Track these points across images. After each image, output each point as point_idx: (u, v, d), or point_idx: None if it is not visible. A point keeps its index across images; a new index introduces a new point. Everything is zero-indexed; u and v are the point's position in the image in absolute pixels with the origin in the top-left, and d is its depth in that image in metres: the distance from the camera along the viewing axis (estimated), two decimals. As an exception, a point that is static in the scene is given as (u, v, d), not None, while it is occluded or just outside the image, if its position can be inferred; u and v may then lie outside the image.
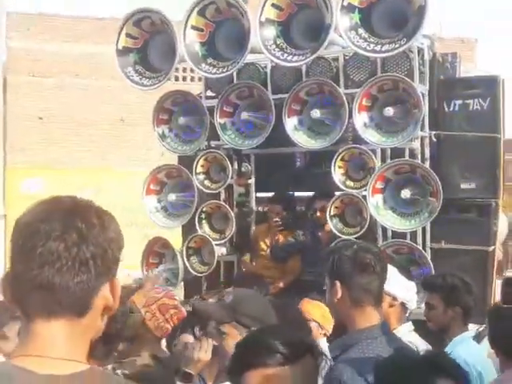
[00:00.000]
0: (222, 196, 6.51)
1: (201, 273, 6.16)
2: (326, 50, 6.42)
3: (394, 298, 3.65)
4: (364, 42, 5.50)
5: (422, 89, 5.96)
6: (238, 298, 3.09)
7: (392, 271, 3.52)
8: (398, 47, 5.41)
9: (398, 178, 5.78)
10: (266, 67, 6.31)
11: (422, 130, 5.98)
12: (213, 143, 6.37)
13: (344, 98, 5.78)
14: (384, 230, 5.98)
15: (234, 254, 6.36)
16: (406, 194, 5.66)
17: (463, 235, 6.05)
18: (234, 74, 6.37)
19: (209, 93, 6.49)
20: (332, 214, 5.87)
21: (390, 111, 5.67)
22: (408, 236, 5.98)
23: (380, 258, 2.77)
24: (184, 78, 18.92)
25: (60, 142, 23.09)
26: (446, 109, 6.16)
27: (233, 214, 6.15)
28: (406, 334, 3.66)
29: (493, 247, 6.09)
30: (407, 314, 3.88)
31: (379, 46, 5.48)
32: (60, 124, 23.30)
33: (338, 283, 2.70)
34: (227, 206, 6.20)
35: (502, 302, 3.15)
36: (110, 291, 1.42)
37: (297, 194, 6.71)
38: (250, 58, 6.45)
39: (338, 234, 5.86)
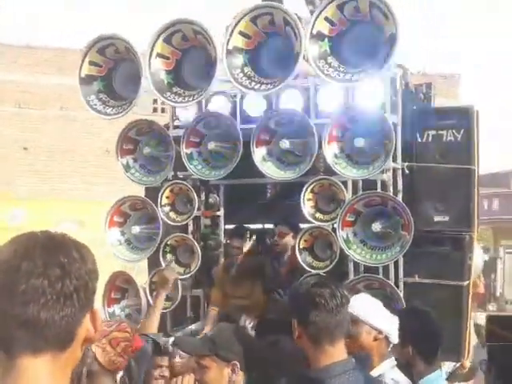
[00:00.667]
0: (190, 228, 6.21)
1: (165, 309, 5.82)
2: (299, 80, 6.24)
3: (380, 332, 3.49)
4: (334, 70, 5.26)
5: (394, 119, 5.72)
6: (219, 331, 3.05)
7: (376, 304, 3.45)
8: (369, 75, 5.17)
9: (368, 211, 5.50)
10: (235, 96, 6.07)
11: (394, 162, 5.73)
12: (180, 174, 6.08)
13: (314, 129, 5.52)
14: (356, 264, 5.70)
15: (201, 288, 6.04)
16: (376, 227, 5.39)
17: (437, 269, 5.78)
18: (203, 103, 6.13)
19: (177, 122, 6.23)
20: (301, 247, 5.58)
21: (360, 142, 5.42)
22: (380, 270, 5.70)
23: (334, 294, 2.62)
24: (163, 110, 18.75)
25: (44, 173, 22.83)
26: (419, 139, 5.93)
27: (198, 248, 5.84)
28: (389, 370, 3.49)
29: (467, 282, 5.82)
30: (389, 349, 3.66)
31: (349, 75, 5.24)
32: (45, 155, 23.05)
33: (295, 322, 2.64)
34: (192, 239, 5.89)
35: (486, 340, 3.09)
36: (90, 322, 1.41)
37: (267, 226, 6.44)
38: (220, 87, 6.23)
39: (308, 268, 5.57)
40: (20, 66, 22.81)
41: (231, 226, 6.37)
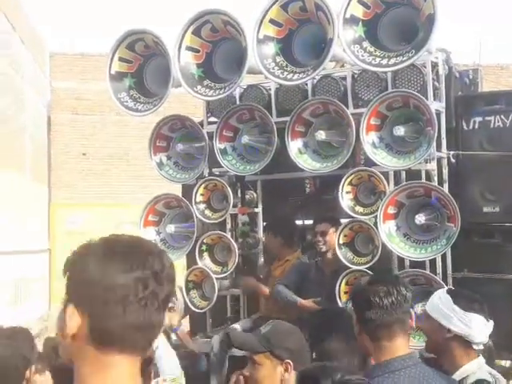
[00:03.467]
0: (229, 226, 5.90)
1: (201, 308, 5.53)
2: (335, 69, 5.86)
3: (448, 331, 3.15)
4: (369, 55, 4.88)
5: (437, 106, 5.30)
6: (276, 329, 2.94)
7: (446, 301, 3.17)
8: (406, 60, 4.76)
9: (411, 203, 5.09)
10: (270, 89, 5.73)
11: (439, 151, 5.31)
12: (216, 171, 5.77)
13: (351, 118, 5.14)
14: (400, 258, 5.29)
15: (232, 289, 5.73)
16: (420, 219, 4.97)
17: (487, 263, 5.34)
18: (237, 97, 5.82)
19: (211, 118, 5.92)
20: (341, 242, 5.20)
21: (400, 130, 5.01)
22: (427, 264, 5.27)
23: (389, 292, 2.55)
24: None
25: (102, 177, 22.95)
26: (465, 127, 5.50)
27: (235, 246, 5.52)
28: (475, 371, 3.13)
29: (521, 275, 5.34)
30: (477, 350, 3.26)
31: (386, 60, 4.85)
32: (102, 159, 23.17)
33: (355, 319, 2.64)
34: (229, 237, 5.58)
35: None
36: None
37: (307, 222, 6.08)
38: (254, 79, 5.91)
39: (349, 264, 5.19)
40: (75, 73, 22.96)
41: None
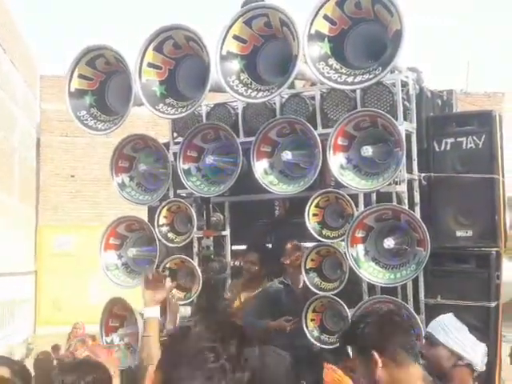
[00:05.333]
0: (195, 250, 5.56)
1: (161, 337, 5.15)
2: (304, 88, 5.58)
3: (460, 358, 3.16)
4: (335, 73, 4.59)
5: (407, 126, 5.03)
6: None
7: (460, 328, 3.18)
8: (373, 77, 4.47)
9: (380, 226, 4.78)
10: (237, 108, 5.43)
11: (410, 172, 5.02)
12: (181, 192, 5.45)
13: (317, 138, 4.85)
14: (371, 284, 4.96)
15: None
16: (389, 243, 4.65)
17: (461, 289, 5.01)
18: (204, 116, 5.52)
19: (179, 138, 5.61)
20: (308, 267, 4.87)
21: (368, 151, 4.71)
22: (399, 291, 4.95)
23: (367, 323, 2.49)
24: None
25: (91, 199, 22.61)
26: (437, 148, 5.21)
27: (199, 270, 5.18)
28: None
29: (496, 303, 5.02)
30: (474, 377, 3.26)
31: (352, 78, 4.56)
32: (91, 182, 22.85)
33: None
34: (192, 262, 5.24)
35: None
36: None
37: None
38: (223, 98, 5.62)
39: (316, 290, 4.86)
40: (65, 95, 22.75)
41: (238, 247, 5.69)
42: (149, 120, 17.93)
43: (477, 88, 22.84)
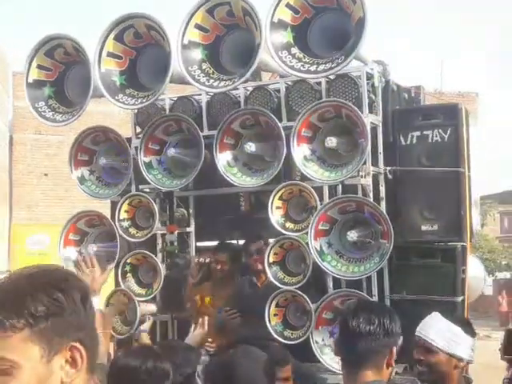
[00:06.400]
0: (159, 246, 5.39)
1: (121, 334, 4.98)
2: (269, 80, 5.48)
3: (461, 360, 3.06)
4: (298, 62, 4.48)
5: (373, 119, 4.92)
6: None
7: (453, 330, 3.05)
8: (336, 66, 4.37)
9: (344, 218, 4.66)
10: (201, 101, 5.29)
11: (375, 166, 4.91)
12: (143, 187, 5.29)
13: (281, 130, 4.72)
14: (337, 277, 4.83)
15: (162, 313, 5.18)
16: (352, 235, 4.53)
17: (427, 284, 4.90)
18: (167, 109, 5.38)
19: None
20: (271, 261, 4.73)
21: (332, 141, 4.60)
22: (364, 285, 4.82)
23: (370, 320, 2.39)
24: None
25: (64, 198, 22.25)
26: (403, 141, 5.10)
27: (161, 267, 5.01)
28: None
29: (462, 297, 4.92)
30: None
31: (315, 67, 4.45)
32: (65, 180, 22.48)
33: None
34: (155, 257, 5.06)
35: (504, 353, 3.04)
36: None
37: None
38: (189, 91, 5.48)
39: (279, 284, 4.71)
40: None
41: (203, 244, 5.54)
42: (121, 119, 17.69)
43: (450, 88, 22.95)
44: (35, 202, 21.45)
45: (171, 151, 4.95)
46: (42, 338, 1.25)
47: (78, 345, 1.29)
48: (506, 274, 32.65)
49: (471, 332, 3.11)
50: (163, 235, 5.37)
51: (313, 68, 4.43)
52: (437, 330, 3.08)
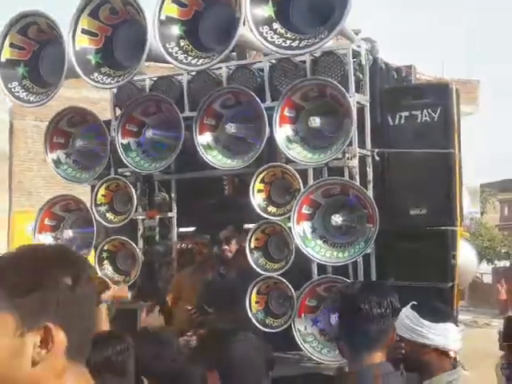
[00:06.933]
0: (140, 231, 5.21)
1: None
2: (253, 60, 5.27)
3: (425, 346, 2.93)
4: (279, 37, 4.28)
5: (360, 98, 4.74)
6: None
7: (415, 318, 2.95)
8: (318, 42, 4.17)
9: (328, 202, 4.47)
10: (182, 81, 5.10)
11: (362, 147, 4.72)
12: (122, 170, 5.10)
13: (263, 110, 4.53)
14: (322, 264, 4.64)
15: (140, 301, 4.99)
16: (337, 220, 4.35)
17: (415, 269, 4.71)
18: (147, 89, 5.18)
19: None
20: (252, 246, 4.55)
21: (316, 121, 4.41)
22: (350, 271, 4.63)
23: (380, 302, 2.35)
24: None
25: (64, 184, 22.07)
26: (391, 122, 4.90)
27: (140, 253, 4.83)
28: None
29: (451, 284, 4.74)
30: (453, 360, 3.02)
31: (297, 42, 4.25)
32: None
33: (337, 323, 2.51)
34: (132, 243, 4.88)
35: (503, 340, 3.00)
36: None
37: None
38: (171, 70, 5.29)
39: (261, 271, 4.53)
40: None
41: (185, 229, 5.35)
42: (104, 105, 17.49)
43: (452, 75, 22.71)
44: (36, 188, 21.25)
45: (150, 133, 4.76)
46: (17, 311, 1.25)
47: (52, 326, 1.26)
48: (505, 263, 32.52)
49: (441, 318, 2.96)
50: (144, 221, 5.19)
51: (295, 44, 4.23)
52: (405, 320, 3.00)
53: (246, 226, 5.07)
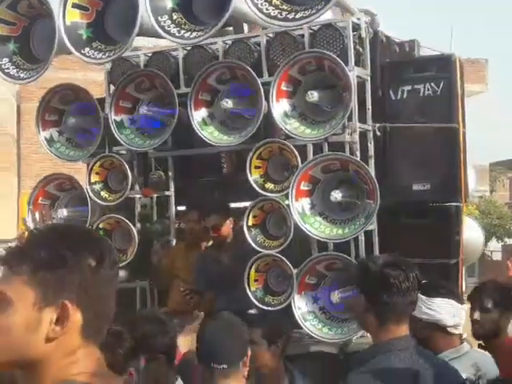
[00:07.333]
0: (138, 210, 5.12)
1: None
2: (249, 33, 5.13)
3: (420, 320, 3.07)
4: (275, 9, 4.14)
5: (360, 72, 4.62)
6: None
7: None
8: (315, 13, 4.03)
9: (327, 178, 4.36)
10: (177, 56, 4.97)
11: (363, 122, 4.60)
12: (117, 149, 5.00)
13: (260, 84, 4.41)
14: (323, 241, 4.53)
15: (137, 280, 4.93)
16: (336, 195, 4.24)
17: (418, 246, 4.60)
18: (142, 65, 5.06)
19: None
20: (250, 224, 4.45)
21: (314, 95, 4.29)
22: (352, 248, 4.53)
23: (407, 276, 2.50)
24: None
25: (72, 166, 22.03)
26: (393, 96, 4.79)
27: (135, 231, 4.75)
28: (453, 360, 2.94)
29: (456, 260, 4.64)
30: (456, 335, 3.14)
31: (293, 14, 4.12)
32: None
33: (362, 297, 2.57)
34: (128, 222, 4.79)
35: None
36: None
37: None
38: (162, 45, 5.17)
39: (259, 248, 4.44)
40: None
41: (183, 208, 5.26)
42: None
43: (461, 54, 22.45)
44: (44, 171, 21.23)
45: (144, 109, 4.66)
46: (38, 286, 1.28)
47: (69, 304, 1.28)
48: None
49: (436, 293, 3.10)
50: (140, 199, 5.10)
51: (291, 16, 4.10)
52: None
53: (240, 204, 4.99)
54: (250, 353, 2.66)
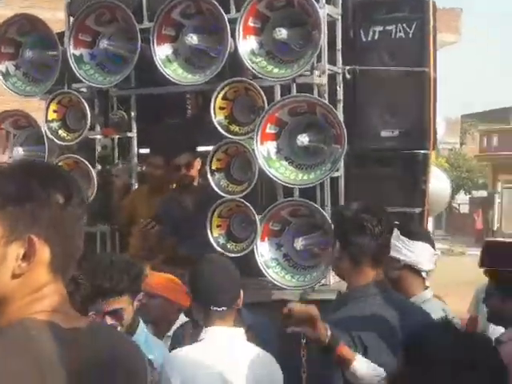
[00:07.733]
0: (98, 151, 4.94)
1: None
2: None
3: (399, 261, 3.12)
4: None
5: (331, 11, 4.45)
6: None
7: (394, 234, 3.01)
8: None
9: (295, 121, 4.22)
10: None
11: (332, 64, 4.45)
12: (77, 86, 4.79)
13: (226, 19, 4.21)
14: (289, 187, 4.42)
15: (98, 223, 4.77)
16: (303, 139, 4.11)
17: (384, 194, 4.52)
18: (104, -2, 4.80)
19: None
20: (214, 168, 4.31)
21: (282, 33, 4.12)
22: (318, 195, 4.42)
23: (380, 220, 2.61)
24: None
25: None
26: (364, 38, 4.63)
27: (94, 174, 4.58)
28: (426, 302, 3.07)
29: (421, 209, 4.58)
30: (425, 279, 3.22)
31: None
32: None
33: (337, 243, 2.68)
34: (86, 162, 4.62)
35: (480, 265, 3.00)
36: None
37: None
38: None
39: (222, 193, 4.31)
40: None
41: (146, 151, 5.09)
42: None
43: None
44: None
45: (104, 43, 4.44)
46: (6, 220, 1.26)
47: (36, 239, 1.27)
48: (482, 193, 32.79)
49: (417, 237, 3.13)
50: (100, 140, 4.92)
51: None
52: None
53: (206, 148, 4.83)
54: (242, 294, 2.71)
